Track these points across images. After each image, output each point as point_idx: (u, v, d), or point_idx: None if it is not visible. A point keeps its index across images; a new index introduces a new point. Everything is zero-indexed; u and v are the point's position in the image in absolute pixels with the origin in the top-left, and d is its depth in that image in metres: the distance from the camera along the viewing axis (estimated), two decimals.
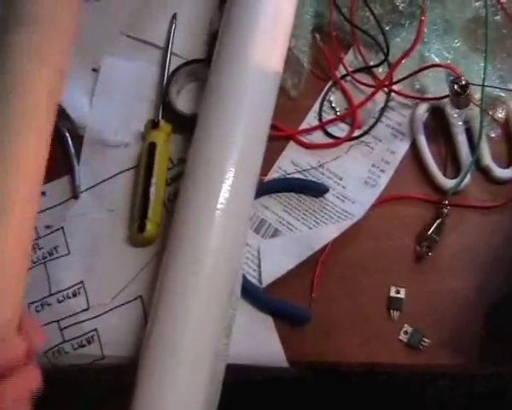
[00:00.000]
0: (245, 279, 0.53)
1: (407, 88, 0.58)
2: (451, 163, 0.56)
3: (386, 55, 0.59)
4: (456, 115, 0.56)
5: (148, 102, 0.61)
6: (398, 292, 0.52)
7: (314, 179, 0.57)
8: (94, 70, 0.62)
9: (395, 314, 0.51)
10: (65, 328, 0.53)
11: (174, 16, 0.63)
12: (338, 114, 0.59)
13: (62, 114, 0.60)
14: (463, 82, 0.52)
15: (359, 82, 0.59)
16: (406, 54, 0.56)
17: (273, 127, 0.56)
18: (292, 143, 0.59)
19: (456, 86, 0.53)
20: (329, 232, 0.53)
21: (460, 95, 0.53)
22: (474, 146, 0.55)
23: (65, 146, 0.59)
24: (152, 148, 0.56)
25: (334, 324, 0.52)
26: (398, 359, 0.50)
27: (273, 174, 0.57)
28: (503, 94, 0.55)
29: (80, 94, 0.61)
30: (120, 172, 0.58)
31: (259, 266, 0.53)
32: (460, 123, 0.56)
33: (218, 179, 0.49)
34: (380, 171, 0.57)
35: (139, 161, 0.58)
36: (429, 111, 0.58)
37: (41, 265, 0.55)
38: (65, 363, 0.52)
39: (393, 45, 0.59)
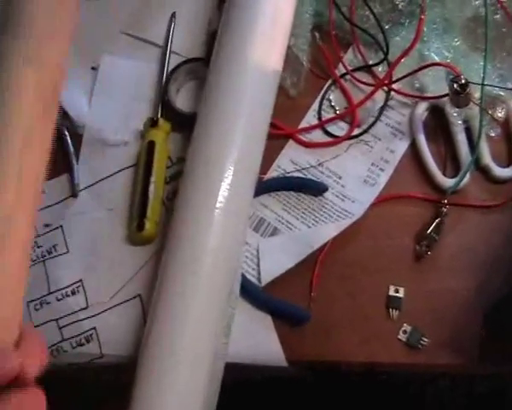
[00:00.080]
0: (244, 278, 0.53)
1: (407, 87, 0.58)
2: (451, 162, 0.56)
3: (386, 53, 0.59)
4: (455, 114, 0.56)
5: (147, 100, 0.60)
6: (397, 291, 0.52)
7: (313, 178, 0.57)
8: (93, 68, 0.62)
9: (394, 314, 0.51)
10: (64, 326, 0.53)
11: (173, 15, 0.63)
12: (337, 112, 0.59)
13: (61, 113, 0.60)
14: (463, 81, 0.52)
15: (359, 81, 0.59)
16: (406, 53, 0.56)
17: (272, 126, 0.56)
18: (291, 141, 0.59)
19: (455, 85, 0.53)
20: (329, 231, 0.53)
21: (459, 94, 0.53)
22: (473, 145, 0.55)
23: (64, 144, 0.59)
24: (151, 146, 0.56)
25: (334, 323, 0.52)
26: (398, 358, 0.50)
27: (272, 173, 0.57)
28: (502, 93, 0.55)
29: (79, 93, 0.61)
30: (119, 171, 0.58)
31: (258, 265, 0.53)
32: (459, 122, 0.56)
33: (217, 178, 0.49)
34: (379, 170, 0.56)
35: (138, 159, 0.58)
36: (429, 110, 0.58)
37: (40, 263, 0.55)
38: (63, 362, 0.52)
39: (393, 44, 0.59)
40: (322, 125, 0.59)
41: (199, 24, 0.63)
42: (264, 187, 0.56)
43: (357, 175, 0.56)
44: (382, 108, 0.59)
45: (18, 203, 0.36)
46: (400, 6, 0.59)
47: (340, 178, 0.57)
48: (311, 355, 0.51)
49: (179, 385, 0.45)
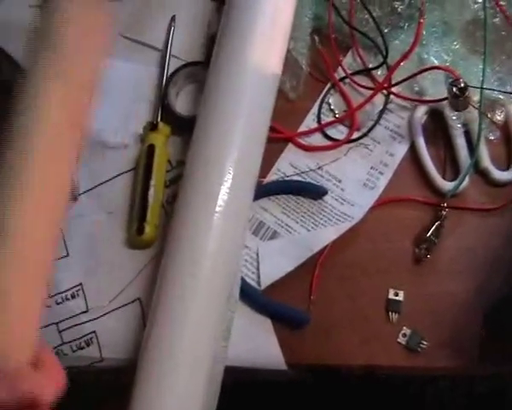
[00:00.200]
0: (243, 282, 0.53)
1: (406, 90, 0.58)
2: (450, 165, 0.56)
3: (385, 57, 0.59)
4: (454, 118, 0.56)
5: (146, 103, 0.61)
6: (396, 294, 0.52)
7: (313, 182, 0.57)
8: None
9: (394, 317, 0.51)
10: (64, 330, 0.53)
11: (173, 18, 0.63)
12: (337, 116, 0.59)
13: None
14: (462, 84, 0.52)
15: (358, 84, 0.59)
16: (405, 56, 0.56)
17: (272, 129, 0.56)
18: (291, 145, 0.59)
19: (454, 89, 0.53)
20: (328, 234, 0.53)
21: (459, 97, 0.53)
22: (472, 148, 0.55)
23: None
24: (151, 150, 0.56)
25: (333, 326, 0.52)
26: (397, 361, 0.51)
27: (272, 176, 0.57)
28: (501, 96, 0.55)
29: None
30: (119, 174, 0.58)
31: (258, 269, 0.53)
32: (459, 125, 0.56)
33: (216, 181, 0.49)
34: (378, 173, 0.57)
35: (138, 163, 0.58)
36: (428, 113, 0.58)
37: None
38: (63, 365, 0.52)
39: (392, 47, 0.59)
40: (321, 128, 0.59)
41: (198, 27, 0.63)
42: (263, 190, 0.56)
43: (357, 178, 0.56)
44: (382, 112, 0.59)
45: (38, 217, 0.36)
46: (399, 9, 0.59)
47: (339, 181, 0.57)
48: (311, 358, 0.51)
49: (179, 388, 0.45)
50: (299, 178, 0.57)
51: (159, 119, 0.59)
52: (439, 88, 0.56)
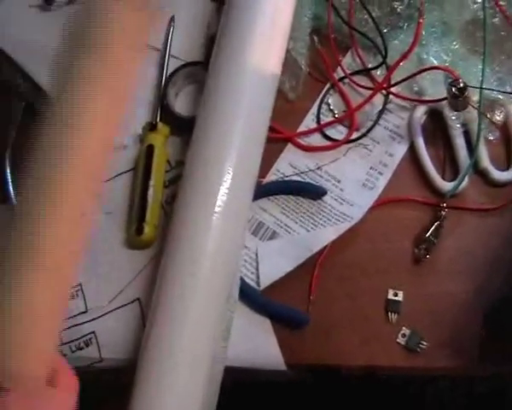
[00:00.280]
0: (243, 282, 0.53)
1: (405, 90, 0.58)
2: (449, 166, 0.56)
3: (385, 57, 0.59)
4: (454, 118, 0.56)
5: (146, 104, 0.61)
6: (396, 295, 0.52)
7: (312, 182, 0.57)
8: None
9: (393, 317, 0.51)
10: (63, 330, 0.53)
11: (172, 19, 0.63)
12: (336, 116, 0.59)
13: None
14: (461, 84, 0.52)
15: (357, 84, 0.59)
16: (404, 56, 0.56)
17: (271, 130, 0.56)
18: (290, 145, 0.59)
19: (454, 89, 0.53)
20: (327, 235, 0.53)
21: (458, 97, 0.53)
22: (472, 149, 0.55)
23: None
24: (150, 150, 0.56)
25: (333, 326, 0.52)
26: (397, 361, 0.51)
27: (271, 177, 0.57)
28: (501, 96, 0.55)
29: None
30: (118, 175, 0.58)
31: (257, 269, 0.53)
32: (458, 125, 0.56)
33: (216, 182, 0.49)
34: (378, 173, 0.57)
35: (137, 163, 0.58)
36: (427, 113, 0.58)
37: None
38: None
39: (391, 48, 0.59)
40: (320, 128, 0.59)
41: (198, 27, 0.63)
42: (262, 191, 0.56)
43: (356, 179, 0.56)
44: (381, 112, 0.59)
45: (67, 234, 0.35)
46: (399, 9, 0.59)
47: (338, 181, 0.57)
48: (311, 358, 0.51)
49: (178, 388, 0.45)
50: (299, 179, 0.57)
51: (158, 119, 0.59)
52: (438, 88, 0.56)
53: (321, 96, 0.60)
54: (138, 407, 0.45)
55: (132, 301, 0.54)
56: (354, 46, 0.61)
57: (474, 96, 0.54)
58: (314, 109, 0.60)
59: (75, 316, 0.53)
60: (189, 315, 0.47)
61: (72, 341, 0.53)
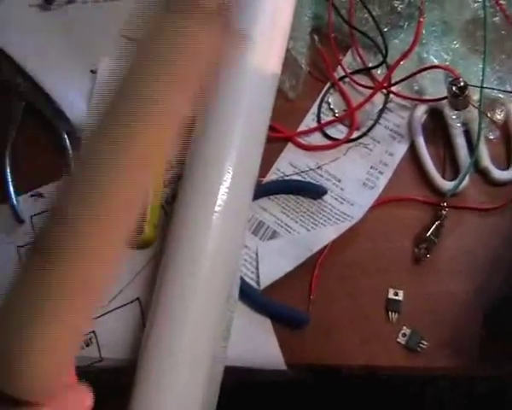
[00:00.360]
0: (243, 281, 0.53)
1: (405, 89, 0.58)
2: (450, 165, 0.56)
3: (385, 56, 0.59)
4: (454, 117, 0.56)
5: None
6: (396, 294, 0.52)
7: (312, 181, 0.57)
8: (92, 72, 0.62)
9: (394, 316, 0.51)
10: None
11: None
12: (336, 115, 0.59)
13: (60, 116, 0.60)
14: (462, 83, 0.52)
15: (358, 83, 0.59)
16: (405, 55, 0.56)
17: (271, 129, 0.56)
18: (290, 144, 0.58)
19: (454, 88, 0.53)
20: (328, 234, 0.53)
21: (458, 96, 0.53)
22: (472, 148, 0.55)
23: (63, 148, 0.59)
24: None
25: (333, 326, 0.52)
26: (397, 361, 0.50)
27: (271, 176, 0.57)
28: (501, 95, 0.55)
29: (79, 96, 0.61)
30: None
31: (257, 269, 0.53)
32: (458, 125, 0.56)
33: (216, 181, 0.49)
34: (378, 173, 0.56)
35: None
36: (428, 113, 0.58)
37: None
38: None
39: (392, 47, 0.59)
40: (321, 128, 0.59)
41: None
42: (263, 190, 0.56)
43: (357, 178, 0.56)
44: (381, 111, 0.59)
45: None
46: (399, 9, 0.59)
47: (339, 181, 0.57)
48: (311, 358, 0.51)
49: (178, 387, 0.45)
50: (299, 178, 0.57)
51: None
52: (438, 87, 0.56)
53: (321, 95, 0.60)
54: (138, 406, 0.45)
55: (132, 301, 0.54)
56: (354, 45, 0.61)
57: (475, 96, 0.54)
58: (314, 109, 0.60)
59: None
60: (188, 315, 0.46)
61: None
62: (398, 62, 0.56)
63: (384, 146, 0.58)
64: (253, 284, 0.53)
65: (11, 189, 0.58)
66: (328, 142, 0.58)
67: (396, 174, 0.56)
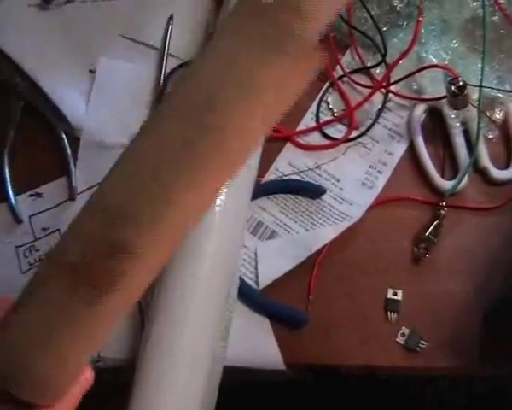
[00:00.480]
0: (242, 281, 0.52)
1: (404, 89, 0.58)
2: (449, 164, 0.56)
3: (384, 55, 0.59)
4: (453, 116, 0.56)
5: (144, 103, 0.60)
6: (395, 294, 0.52)
7: (311, 181, 0.57)
8: (91, 71, 0.62)
9: (393, 316, 0.51)
10: None
11: (171, 17, 0.63)
12: (335, 115, 0.59)
13: (59, 116, 0.60)
14: (461, 83, 0.52)
15: (356, 83, 0.59)
16: (404, 55, 0.56)
17: None
18: (289, 144, 0.58)
19: (453, 87, 0.52)
20: (327, 234, 0.53)
21: (457, 96, 0.53)
22: (471, 147, 0.55)
23: (62, 147, 0.59)
24: None
25: (332, 326, 0.52)
26: (396, 361, 0.50)
27: (270, 176, 0.57)
28: (500, 95, 0.55)
29: (77, 95, 0.61)
30: None
31: (256, 268, 0.53)
32: (458, 124, 0.56)
33: None
34: (377, 172, 0.56)
35: None
36: (427, 112, 0.58)
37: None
38: None
39: (391, 46, 0.59)
40: (319, 127, 0.59)
41: (196, 26, 0.63)
42: (262, 190, 0.56)
43: (355, 178, 0.56)
44: (380, 111, 0.58)
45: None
46: (398, 8, 0.59)
47: (338, 180, 0.56)
48: (310, 358, 0.51)
49: (178, 387, 0.45)
50: (298, 178, 0.57)
51: None
52: (437, 86, 0.56)
53: (320, 94, 0.60)
54: (137, 406, 0.44)
55: None
56: (353, 44, 0.61)
57: (474, 95, 0.54)
58: (313, 108, 0.60)
59: None
60: (188, 315, 0.46)
61: None
62: (397, 62, 0.56)
63: (383, 145, 0.57)
64: (251, 283, 0.53)
65: (10, 189, 0.58)
66: (326, 141, 0.58)
67: (395, 174, 0.56)
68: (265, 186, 0.57)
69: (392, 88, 0.58)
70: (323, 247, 0.53)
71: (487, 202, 0.54)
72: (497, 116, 0.55)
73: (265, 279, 0.52)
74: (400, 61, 0.56)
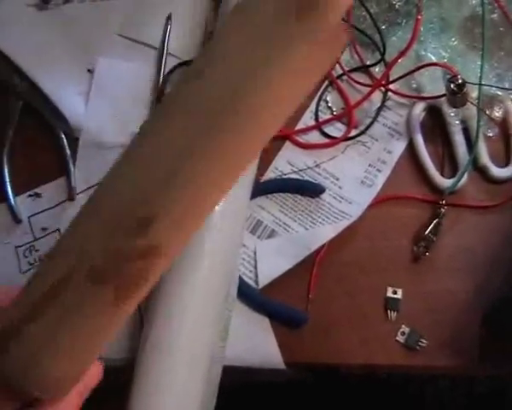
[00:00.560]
0: (241, 281, 0.52)
1: (404, 87, 0.58)
2: (448, 163, 0.56)
3: (383, 54, 0.59)
4: (453, 114, 0.56)
5: (143, 102, 0.60)
6: (395, 293, 0.52)
7: (310, 180, 0.56)
8: (89, 71, 0.62)
9: (392, 315, 0.51)
10: None
11: (169, 17, 0.63)
12: (334, 113, 0.59)
13: (58, 116, 0.60)
14: (460, 81, 0.52)
15: (356, 81, 0.59)
16: (403, 53, 0.56)
17: None
18: (288, 143, 0.58)
19: (452, 85, 0.52)
20: (326, 233, 0.53)
21: (457, 94, 0.53)
22: (471, 145, 0.55)
23: (61, 147, 0.59)
24: None
25: (332, 325, 0.51)
26: (396, 360, 0.50)
27: (269, 174, 0.57)
28: (500, 93, 0.55)
29: (75, 95, 0.61)
30: None
31: (256, 268, 0.53)
32: (457, 122, 0.56)
33: None
34: (376, 171, 0.56)
35: None
36: (426, 110, 0.58)
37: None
38: None
39: (390, 44, 0.59)
40: (319, 126, 0.59)
41: (195, 25, 0.63)
42: (261, 189, 0.56)
43: (355, 176, 0.56)
44: (379, 109, 0.58)
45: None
46: (397, 6, 0.59)
47: (337, 179, 0.56)
48: (310, 357, 0.51)
49: (177, 387, 0.45)
50: (297, 176, 0.57)
51: None
52: (436, 85, 0.56)
53: (319, 93, 0.60)
54: (137, 406, 0.44)
55: None
56: (352, 43, 0.61)
57: (473, 93, 0.54)
58: (312, 107, 0.60)
59: None
60: (187, 314, 0.46)
61: None
62: (396, 60, 0.56)
63: (382, 144, 0.57)
64: (251, 283, 0.53)
65: (9, 189, 0.58)
66: (326, 140, 0.58)
67: (394, 172, 0.56)
68: (264, 185, 0.56)
69: (391, 86, 0.58)
70: (323, 246, 0.53)
71: (487, 200, 0.54)
72: (497, 114, 0.55)
73: (265, 278, 0.52)
74: (399, 60, 0.56)
